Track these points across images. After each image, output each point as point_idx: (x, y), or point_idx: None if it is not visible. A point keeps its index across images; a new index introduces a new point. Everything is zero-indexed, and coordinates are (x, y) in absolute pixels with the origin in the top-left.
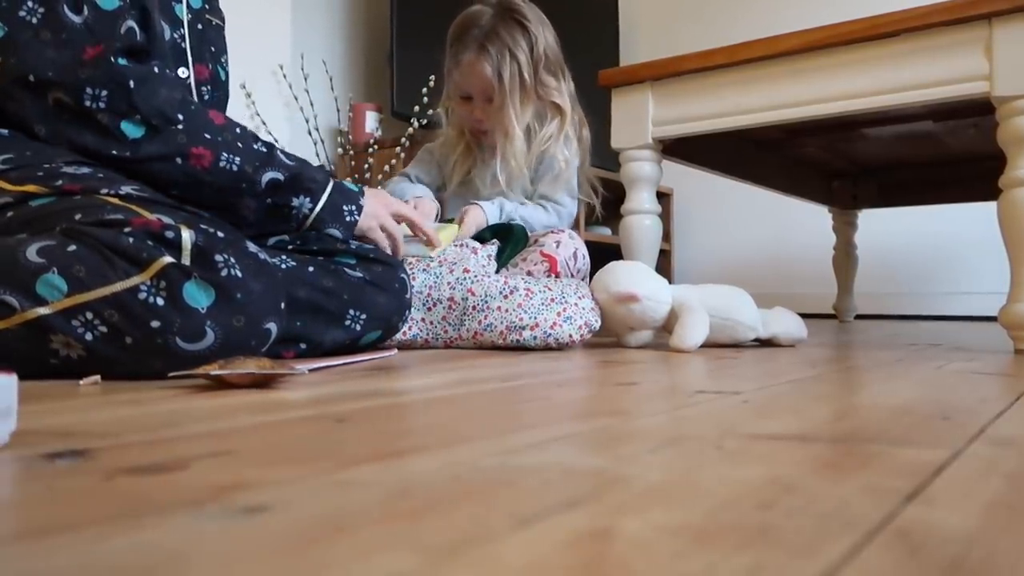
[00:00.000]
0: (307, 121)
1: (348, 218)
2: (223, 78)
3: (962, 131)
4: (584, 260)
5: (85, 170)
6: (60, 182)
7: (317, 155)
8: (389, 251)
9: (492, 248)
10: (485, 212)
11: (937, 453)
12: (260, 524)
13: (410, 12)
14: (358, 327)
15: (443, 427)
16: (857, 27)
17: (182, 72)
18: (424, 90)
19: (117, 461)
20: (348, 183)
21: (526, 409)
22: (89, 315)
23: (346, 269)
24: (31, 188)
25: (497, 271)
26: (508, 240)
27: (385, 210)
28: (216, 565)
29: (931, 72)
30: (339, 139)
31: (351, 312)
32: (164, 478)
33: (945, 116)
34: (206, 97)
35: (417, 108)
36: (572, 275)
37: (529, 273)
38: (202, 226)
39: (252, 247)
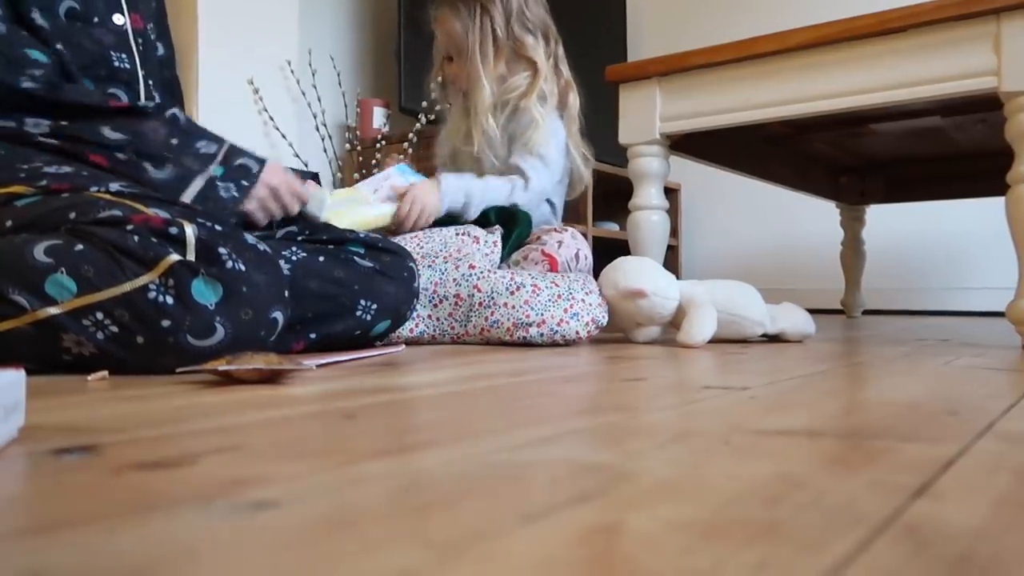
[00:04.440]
0: (315, 117)
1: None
2: (159, 48)
3: (970, 126)
4: (586, 261)
5: (67, 169)
6: (45, 182)
7: (325, 151)
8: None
9: (496, 235)
10: (440, 191)
11: (945, 449)
12: (268, 519)
13: (418, 7)
14: (369, 317)
15: (451, 423)
16: (866, 22)
17: (117, 19)
18: (432, 86)
19: (125, 456)
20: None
21: (533, 405)
22: (99, 315)
23: (355, 258)
24: (17, 189)
25: (502, 259)
26: (513, 227)
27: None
28: (224, 560)
29: (939, 67)
30: (347, 135)
31: (362, 302)
32: (172, 473)
33: (953, 111)
34: (141, 49)
35: (425, 104)
36: None
37: None
38: (199, 220)
39: (250, 239)
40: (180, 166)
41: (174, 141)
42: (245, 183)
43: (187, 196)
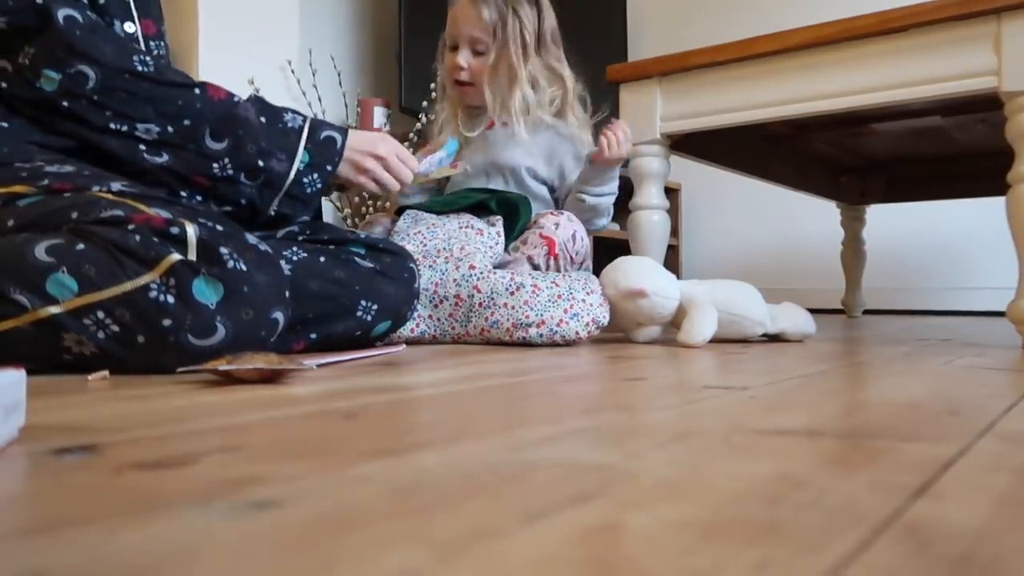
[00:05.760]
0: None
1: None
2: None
3: (970, 126)
4: (583, 242)
5: (68, 168)
6: (46, 181)
7: None
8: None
9: (498, 226)
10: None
11: (946, 448)
12: (269, 519)
13: (419, 7)
14: (369, 317)
15: (451, 423)
16: (867, 22)
17: (128, 27)
18: (432, 85)
19: (126, 456)
20: (327, 131)
21: (534, 405)
22: (100, 314)
23: (356, 259)
24: (18, 188)
25: (505, 248)
26: (516, 216)
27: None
28: (225, 560)
29: (940, 67)
30: None
31: (363, 303)
32: (173, 473)
33: (954, 111)
34: (155, 52)
35: (425, 103)
36: (571, 257)
37: (530, 259)
38: (200, 220)
39: (251, 239)
40: (268, 171)
41: (263, 120)
42: (329, 167)
43: (275, 203)
